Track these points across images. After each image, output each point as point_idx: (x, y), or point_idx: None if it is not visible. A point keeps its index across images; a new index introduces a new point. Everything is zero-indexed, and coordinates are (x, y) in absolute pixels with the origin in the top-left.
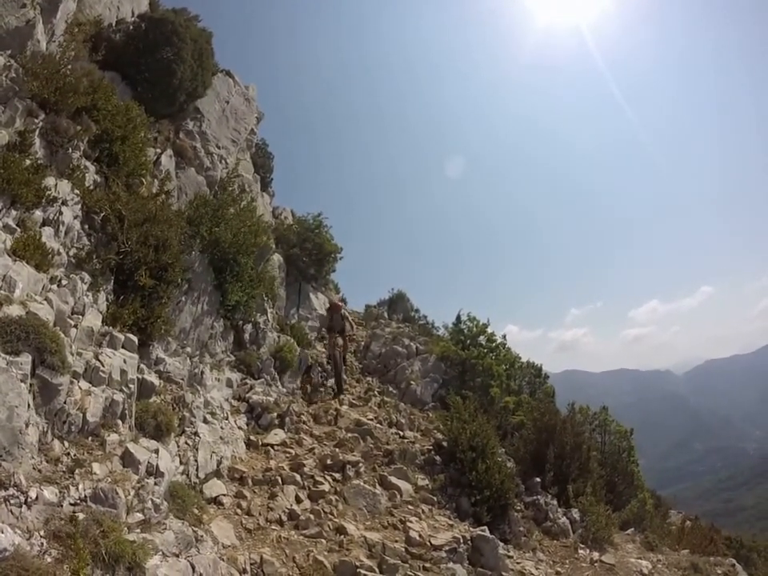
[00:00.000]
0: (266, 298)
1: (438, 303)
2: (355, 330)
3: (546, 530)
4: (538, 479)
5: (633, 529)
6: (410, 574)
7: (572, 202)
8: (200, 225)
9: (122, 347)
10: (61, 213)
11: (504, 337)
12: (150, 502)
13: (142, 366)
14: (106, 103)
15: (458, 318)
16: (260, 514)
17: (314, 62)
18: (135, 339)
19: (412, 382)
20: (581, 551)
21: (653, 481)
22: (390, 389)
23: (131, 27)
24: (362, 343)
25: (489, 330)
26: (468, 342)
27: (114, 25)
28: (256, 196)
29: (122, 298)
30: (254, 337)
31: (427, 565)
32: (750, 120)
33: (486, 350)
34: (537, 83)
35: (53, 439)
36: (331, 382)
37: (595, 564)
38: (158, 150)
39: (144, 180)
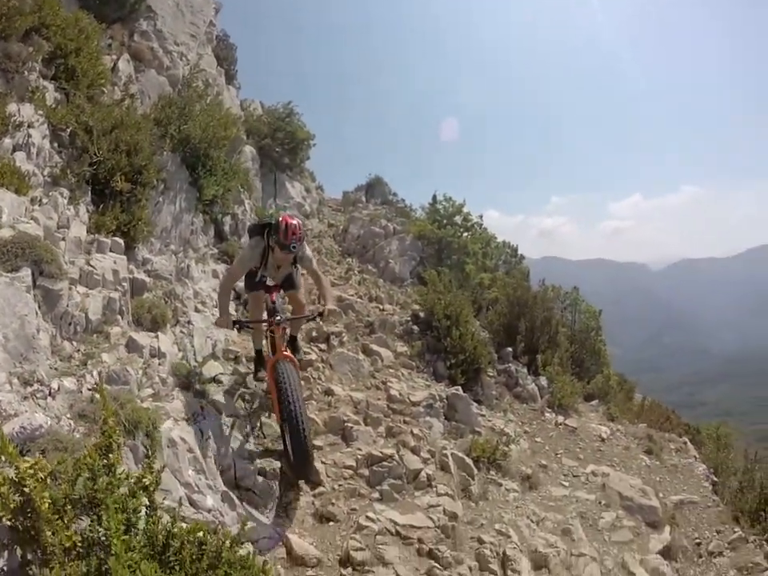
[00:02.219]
0: (241, 190)
1: (415, 190)
2: (327, 281)
3: (516, 395)
4: (510, 349)
5: (597, 401)
6: (392, 425)
7: (558, 84)
8: (168, 124)
9: (110, 251)
10: (29, 136)
11: (480, 217)
12: (157, 377)
13: (131, 267)
14: (54, 18)
15: (434, 198)
16: (256, 385)
17: None
18: (121, 241)
19: (390, 261)
20: (547, 414)
21: (626, 370)
22: (370, 267)
23: None
24: (341, 227)
25: (465, 210)
26: (444, 221)
27: None
28: (222, 90)
29: (101, 206)
30: (234, 228)
31: (407, 418)
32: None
33: (462, 229)
34: None
35: (62, 341)
36: None
37: (559, 426)
38: (114, 57)
39: (105, 89)
